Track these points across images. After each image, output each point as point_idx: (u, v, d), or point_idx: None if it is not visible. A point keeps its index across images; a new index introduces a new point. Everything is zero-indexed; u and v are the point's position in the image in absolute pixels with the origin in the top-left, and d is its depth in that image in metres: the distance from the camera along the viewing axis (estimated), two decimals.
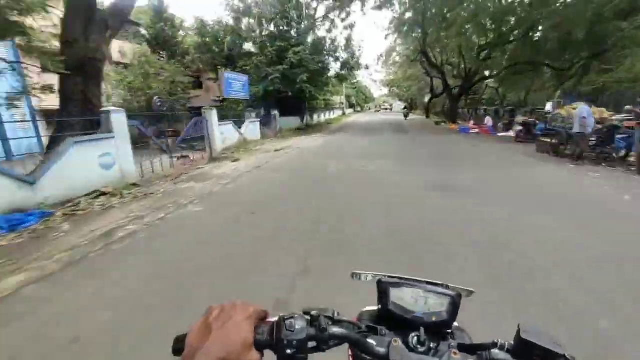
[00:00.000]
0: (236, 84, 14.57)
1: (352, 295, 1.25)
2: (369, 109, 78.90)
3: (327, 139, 14.93)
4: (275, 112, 17.15)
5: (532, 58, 16.58)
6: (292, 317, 0.48)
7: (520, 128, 12.04)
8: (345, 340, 0.49)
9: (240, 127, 13.01)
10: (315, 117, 25.69)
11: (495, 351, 0.47)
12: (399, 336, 0.51)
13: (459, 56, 20.72)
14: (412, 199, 5.06)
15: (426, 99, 33.88)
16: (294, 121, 19.90)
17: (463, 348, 0.50)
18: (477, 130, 15.97)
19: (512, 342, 0.46)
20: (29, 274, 3.06)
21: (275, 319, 0.49)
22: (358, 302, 0.63)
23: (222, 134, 11.00)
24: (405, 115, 31.32)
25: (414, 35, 21.00)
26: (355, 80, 46.76)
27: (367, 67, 24.94)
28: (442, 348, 0.50)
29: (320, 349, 0.48)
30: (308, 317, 0.49)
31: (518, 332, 0.45)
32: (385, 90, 66.42)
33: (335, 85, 27.62)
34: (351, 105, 58.59)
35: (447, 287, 0.54)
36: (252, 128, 14.13)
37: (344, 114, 44.13)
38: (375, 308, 0.58)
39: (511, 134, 13.17)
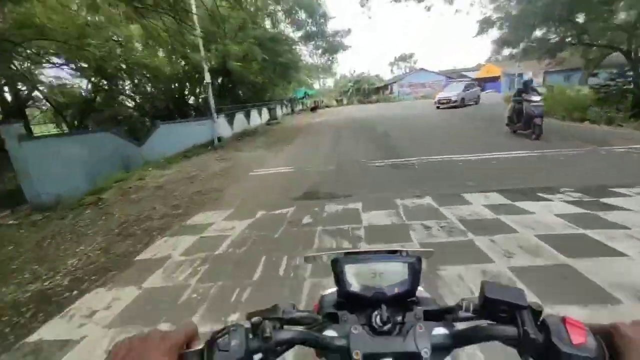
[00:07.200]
0: None
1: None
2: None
3: None
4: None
5: None
6: (226, 333, 0.40)
7: None
8: (295, 342, 0.43)
9: None
10: None
11: (461, 313, 0.46)
12: (361, 318, 0.48)
13: None
14: None
15: None
16: None
17: (429, 315, 0.48)
18: None
19: (477, 302, 0.44)
20: None
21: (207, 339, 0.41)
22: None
23: None
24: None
25: None
26: None
27: None
28: (408, 320, 0.47)
29: None
30: (248, 326, 0.41)
31: (482, 290, 0.43)
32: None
33: None
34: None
35: (406, 254, 0.51)
36: None
37: None
38: (335, 290, 0.53)
39: None
